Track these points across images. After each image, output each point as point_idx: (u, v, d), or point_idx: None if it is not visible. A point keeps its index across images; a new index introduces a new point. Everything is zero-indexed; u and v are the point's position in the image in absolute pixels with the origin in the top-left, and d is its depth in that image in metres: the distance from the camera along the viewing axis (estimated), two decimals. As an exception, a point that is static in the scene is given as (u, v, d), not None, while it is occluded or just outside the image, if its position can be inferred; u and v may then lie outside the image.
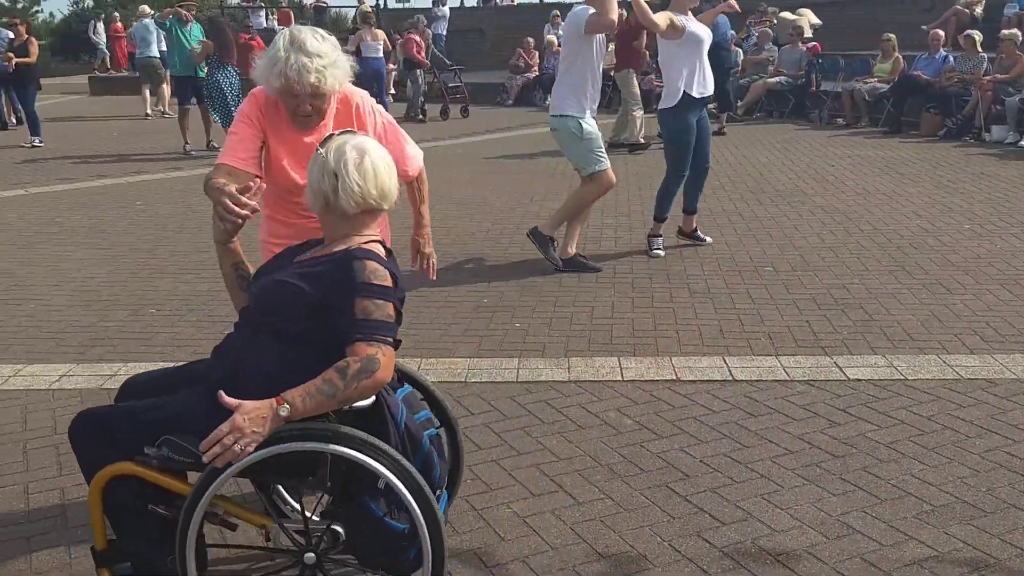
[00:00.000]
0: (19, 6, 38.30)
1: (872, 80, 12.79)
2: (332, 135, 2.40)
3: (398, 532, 2.26)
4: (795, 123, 13.39)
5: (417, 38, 14.76)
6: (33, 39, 12.14)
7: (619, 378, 4.15)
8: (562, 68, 5.85)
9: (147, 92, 15.44)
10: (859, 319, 4.85)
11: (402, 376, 2.65)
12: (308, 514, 2.45)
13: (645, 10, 5.74)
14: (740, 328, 4.79)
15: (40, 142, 11.94)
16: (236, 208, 2.38)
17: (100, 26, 25.16)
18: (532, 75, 17.36)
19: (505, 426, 3.68)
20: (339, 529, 2.34)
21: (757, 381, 4.09)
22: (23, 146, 11.81)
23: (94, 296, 5.53)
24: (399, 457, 2.23)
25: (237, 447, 2.07)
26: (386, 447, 2.23)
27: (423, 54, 14.91)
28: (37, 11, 41.10)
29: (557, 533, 2.91)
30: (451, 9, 22.62)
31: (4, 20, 13.89)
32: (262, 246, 3.00)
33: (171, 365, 2.69)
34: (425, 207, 3.22)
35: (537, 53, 17.49)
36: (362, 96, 2.88)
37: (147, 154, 11.42)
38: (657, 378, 4.14)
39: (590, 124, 5.74)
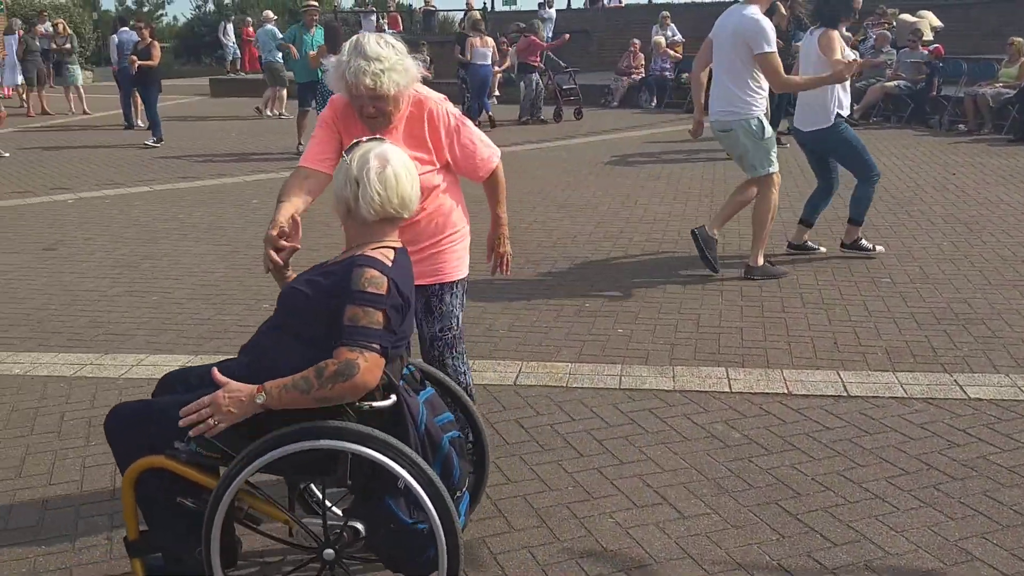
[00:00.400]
0: (145, 9, 40.18)
1: (997, 85, 12.17)
2: (358, 142, 2.46)
3: (417, 532, 2.30)
4: (914, 129, 12.83)
5: (537, 40, 14.75)
6: (156, 43, 12.63)
7: (727, 389, 4.05)
8: (726, 67, 5.56)
9: (271, 93, 15.96)
10: (981, 335, 4.61)
11: (427, 378, 2.72)
12: (331, 509, 2.55)
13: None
14: (855, 341, 4.61)
15: (157, 142, 12.45)
16: (273, 256, 2.57)
17: (230, 28, 26.25)
18: (638, 77, 17.19)
19: (607, 434, 3.63)
20: (359, 527, 2.37)
21: (873, 397, 3.93)
22: (146, 144, 12.36)
23: (213, 290, 5.75)
24: (417, 458, 2.27)
25: (212, 420, 2.22)
26: (403, 447, 2.27)
27: (539, 57, 14.89)
28: (162, 14, 43.11)
29: (661, 547, 2.86)
30: (557, 11, 22.64)
31: (132, 23, 14.54)
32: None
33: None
34: (501, 208, 3.21)
35: (643, 55, 17.32)
36: (436, 100, 2.95)
37: (263, 154, 11.81)
38: (767, 391, 4.03)
39: (764, 124, 5.56)
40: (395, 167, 2.38)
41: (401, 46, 2.79)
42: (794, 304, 5.23)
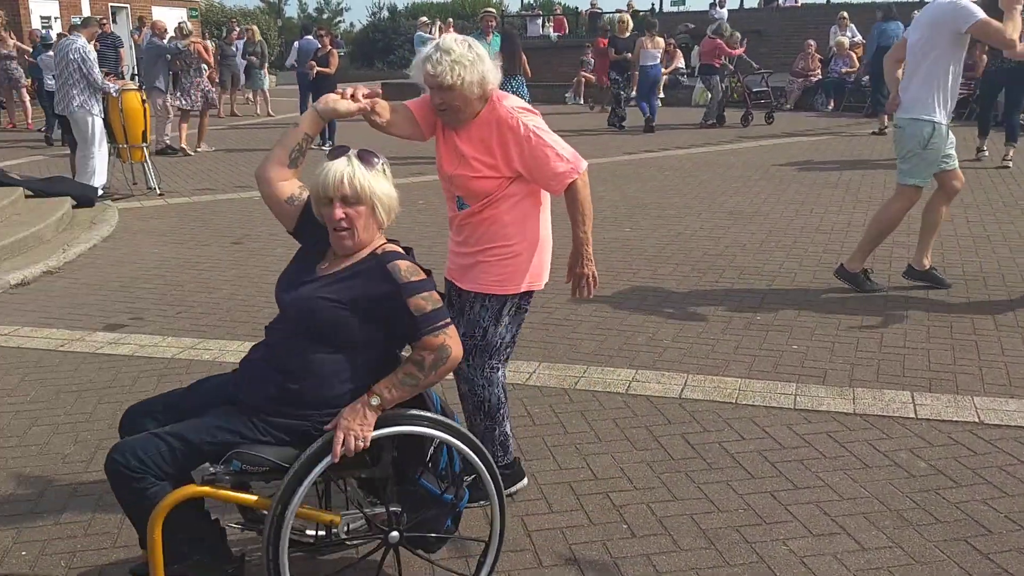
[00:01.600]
0: (324, 16, 42.21)
1: None
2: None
3: (447, 503, 2.54)
4: None
5: (720, 42, 14.41)
6: (335, 51, 13.19)
7: (912, 415, 3.79)
8: (913, 65, 5.25)
9: None
10: None
11: None
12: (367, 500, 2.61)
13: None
14: (1058, 370, 4.23)
15: (329, 145, 12.93)
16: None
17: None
18: (814, 79, 16.51)
19: (781, 456, 3.48)
20: (397, 509, 2.48)
21: (1078, 433, 3.58)
22: (314, 147, 12.88)
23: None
24: (473, 437, 2.52)
25: (359, 442, 2.31)
26: (465, 430, 2.53)
27: (723, 59, 14.46)
28: (339, 21, 45.13)
29: (839, 580, 2.70)
30: (729, 11, 22.06)
31: (314, 31, 15.29)
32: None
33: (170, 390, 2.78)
34: (579, 228, 2.96)
35: (819, 57, 16.61)
36: (512, 107, 2.92)
37: (429, 156, 12.13)
38: (956, 419, 3.75)
39: (940, 135, 5.19)
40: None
41: (483, 52, 2.85)
42: (986, 326, 4.85)
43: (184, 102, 12.45)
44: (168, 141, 12.51)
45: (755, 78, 15.22)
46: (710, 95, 14.59)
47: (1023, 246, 6.41)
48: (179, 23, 12.75)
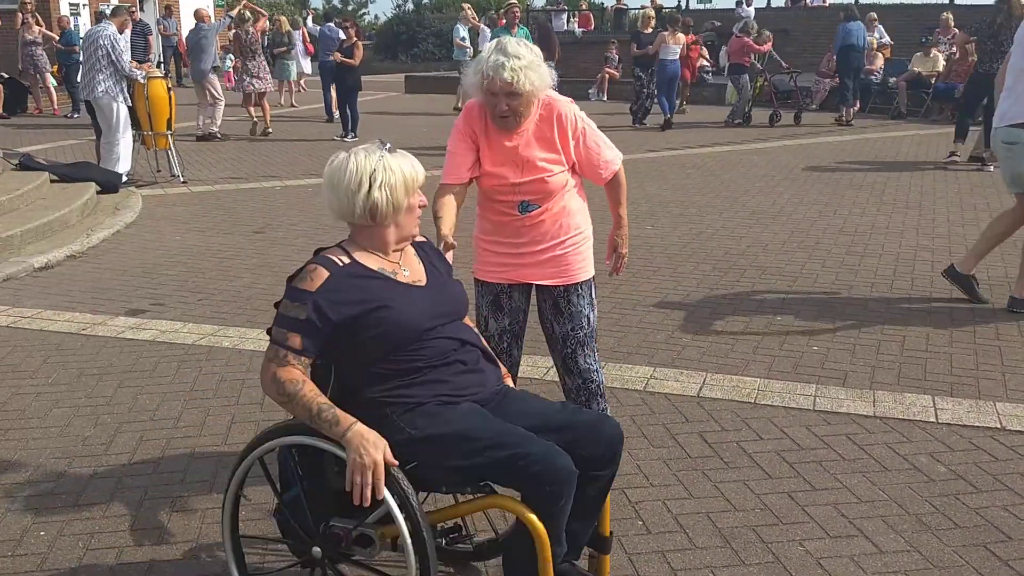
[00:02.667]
0: (349, 7, 42.31)
1: None
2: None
3: None
4: None
5: (748, 41, 14.30)
6: (359, 43, 13.14)
7: (933, 419, 3.75)
8: (1013, 74, 4.99)
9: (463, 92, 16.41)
10: None
11: None
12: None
13: None
14: (1083, 377, 4.17)
15: (351, 137, 12.94)
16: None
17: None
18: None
19: (799, 457, 3.45)
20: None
21: (1103, 441, 3.54)
22: (334, 139, 12.91)
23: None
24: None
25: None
26: None
27: (751, 58, 14.32)
28: (364, 13, 45.25)
29: (855, 582, 2.68)
30: (756, 9, 21.90)
31: (336, 21, 15.30)
32: (475, 242, 3.21)
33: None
34: (622, 209, 3.21)
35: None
36: (565, 103, 3.00)
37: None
38: (978, 424, 3.70)
39: None
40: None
41: (538, 51, 2.88)
42: (1010, 332, 4.79)
43: (258, 84, 12.98)
44: (215, 128, 12.81)
45: (783, 77, 15.08)
46: (737, 95, 14.49)
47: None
48: (238, 10, 12.94)
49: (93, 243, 6.89)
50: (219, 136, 12.76)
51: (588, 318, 3.15)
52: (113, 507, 3.12)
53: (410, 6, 44.03)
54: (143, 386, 4.17)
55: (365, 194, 2.28)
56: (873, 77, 15.87)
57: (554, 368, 3.35)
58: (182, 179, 9.55)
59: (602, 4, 28.11)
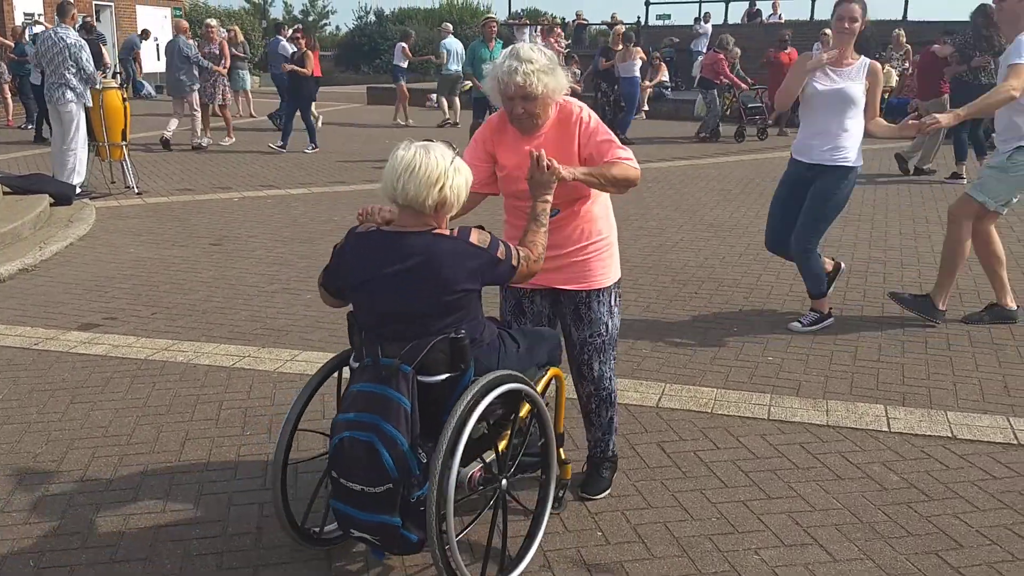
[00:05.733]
0: (309, 19, 41.98)
1: None
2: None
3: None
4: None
5: (723, 58, 14.43)
6: (310, 52, 12.84)
7: (885, 428, 3.82)
8: None
9: (444, 102, 16.38)
10: None
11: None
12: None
13: None
14: (1029, 386, 4.28)
15: (311, 148, 12.83)
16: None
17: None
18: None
19: (754, 466, 3.49)
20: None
21: (1048, 449, 3.63)
22: (269, 147, 12.80)
23: (361, 292, 5.91)
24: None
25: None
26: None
27: (724, 75, 14.39)
28: (325, 24, 44.91)
29: (810, 590, 2.71)
30: (713, 26, 22.22)
31: (289, 32, 15.31)
32: None
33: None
34: (596, 170, 2.90)
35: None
36: (579, 105, 3.04)
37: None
38: (929, 433, 3.78)
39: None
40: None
41: (553, 55, 2.96)
42: (961, 342, 4.90)
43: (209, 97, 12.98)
44: (198, 140, 12.86)
45: (750, 95, 15.10)
46: (706, 110, 14.61)
47: (997, 264, 6.48)
48: (207, 25, 13.01)
49: (46, 256, 6.77)
50: (204, 144, 12.92)
51: (607, 325, 3.19)
52: (65, 524, 3.06)
53: (372, 18, 43.85)
54: (95, 402, 4.10)
55: (439, 189, 2.51)
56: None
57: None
58: (137, 190, 9.43)
59: (563, 20, 28.29)
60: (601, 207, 3.16)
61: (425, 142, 2.57)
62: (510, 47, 2.98)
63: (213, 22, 13.84)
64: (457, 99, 16.12)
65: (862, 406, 4.06)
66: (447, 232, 2.57)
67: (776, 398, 4.14)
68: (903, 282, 6.06)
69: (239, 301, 5.69)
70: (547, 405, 2.89)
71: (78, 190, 8.88)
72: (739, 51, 15.06)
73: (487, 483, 2.64)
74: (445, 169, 2.51)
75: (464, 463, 2.48)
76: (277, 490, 2.71)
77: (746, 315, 5.40)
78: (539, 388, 2.92)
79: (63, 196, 8.49)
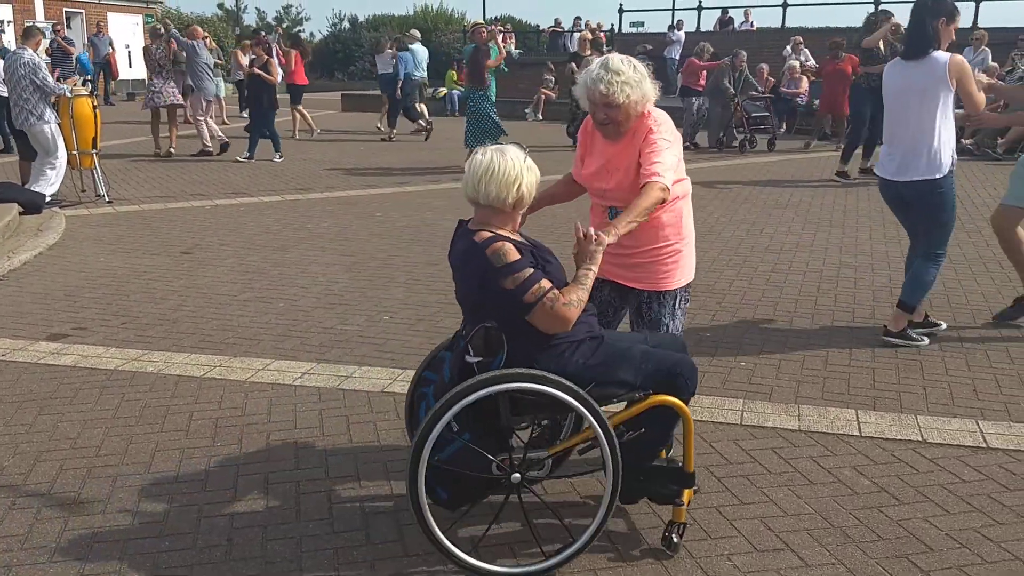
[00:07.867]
0: (284, 26, 41.79)
1: None
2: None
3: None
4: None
5: (696, 61, 14.42)
6: (273, 61, 12.91)
7: (856, 433, 3.85)
8: None
9: (423, 108, 16.38)
10: None
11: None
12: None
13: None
14: (997, 390, 4.33)
15: (278, 158, 12.70)
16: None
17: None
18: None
19: (727, 471, 3.51)
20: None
21: (1015, 451, 3.67)
22: (237, 159, 12.63)
23: (336, 300, 5.89)
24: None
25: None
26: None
27: (703, 81, 14.29)
28: (299, 30, 44.73)
29: (782, 595, 2.72)
30: (687, 34, 22.37)
31: (250, 42, 15.37)
32: None
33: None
34: (627, 215, 2.91)
35: (773, 80, 16.89)
36: (656, 118, 3.15)
37: (386, 168, 12.13)
38: (900, 437, 3.81)
39: None
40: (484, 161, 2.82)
41: (643, 69, 3.12)
42: (930, 347, 4.95)
43: (158, 100, 12.90)
44: (206, 142, 13.14)
45: (756, 104, 14.86)
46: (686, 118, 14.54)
47: (967, 269, 6.58)
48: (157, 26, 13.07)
49: (14, 266, 6.68)
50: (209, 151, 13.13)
51: (667, 327, 3.27)
52: (32, 538, 3.01)
53: (346, 24, 43.73)
54: (64, 413, 4.05)
55: (517, 187, 2.78)
56: (799, 99, 16.32)
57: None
58: (107, 199, 9.33)
59: (538, 26, 28.41)
60: (671, 215, 3.22)
61: (499, 146, 2.84)
62: (603, 57, 3.14)
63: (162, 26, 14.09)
64: (422, 105, 16.16)
65: (833, 411, 4.09)
66: (489, 234, 2.79)
67: (749, 403, 4.16)
68: (873, 287, 6.12)
69: (210, 310, 5.63)
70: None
71: (48, 199, 8.77)
72: (744, 53, 14.68)
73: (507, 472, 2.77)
74: (521, 169, 2.79)
75: (493, 451, 2.74)
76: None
77: (719, 320, 5.42)
78: (618, 410, 2.89)
79: (32, 205, 8.39)
